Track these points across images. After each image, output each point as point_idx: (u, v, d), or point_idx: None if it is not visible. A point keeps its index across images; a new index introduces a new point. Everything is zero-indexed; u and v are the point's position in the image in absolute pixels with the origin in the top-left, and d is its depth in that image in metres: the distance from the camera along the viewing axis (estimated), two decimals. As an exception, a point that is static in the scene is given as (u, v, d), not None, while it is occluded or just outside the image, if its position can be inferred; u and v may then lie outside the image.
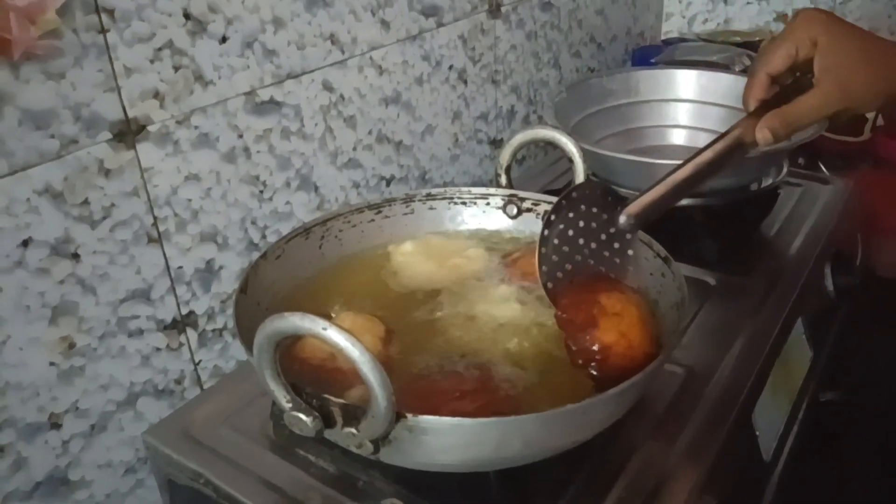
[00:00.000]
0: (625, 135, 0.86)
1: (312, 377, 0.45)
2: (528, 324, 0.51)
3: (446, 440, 0.39)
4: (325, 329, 0.34)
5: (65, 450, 0.56)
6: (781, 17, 1.22)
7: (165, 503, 0.55)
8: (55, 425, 0.55)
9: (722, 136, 0.54)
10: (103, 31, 0.51)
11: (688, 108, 0.86)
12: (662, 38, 1.32)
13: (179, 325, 0.62)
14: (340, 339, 0.34)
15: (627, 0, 1.21)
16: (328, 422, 0.39)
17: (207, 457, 0.51)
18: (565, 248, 0.52)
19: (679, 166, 0.54)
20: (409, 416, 0.37)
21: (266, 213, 0.67)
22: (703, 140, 0.84)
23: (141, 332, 0.59)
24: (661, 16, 1.33)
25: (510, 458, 0.42)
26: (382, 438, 0.38)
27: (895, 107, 0.51)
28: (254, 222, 0.67)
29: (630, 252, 0.53)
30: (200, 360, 0.65)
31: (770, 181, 0.77)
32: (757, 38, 1.19)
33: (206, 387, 0.65)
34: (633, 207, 0.54)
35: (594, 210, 0.53)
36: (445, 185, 0.88)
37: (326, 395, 0.38)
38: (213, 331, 0.65)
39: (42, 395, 0.53)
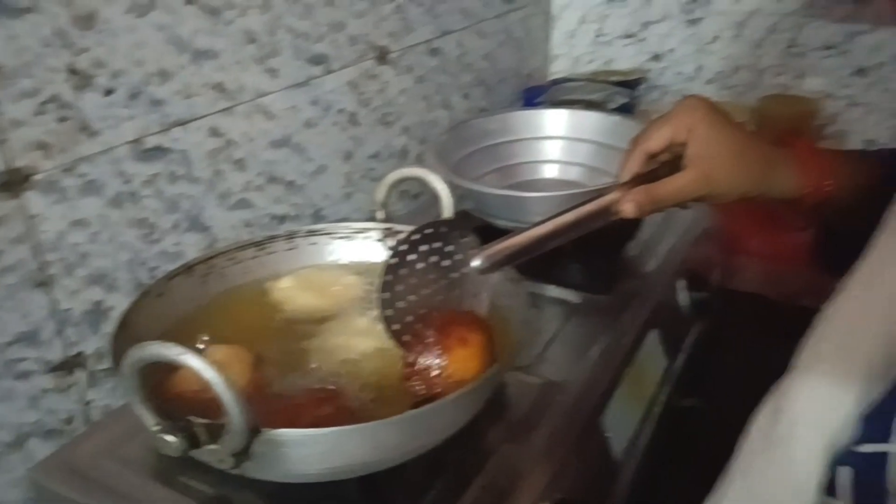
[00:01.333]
0: (503, 171, 0.93)
1: (190, 409, 0.48)
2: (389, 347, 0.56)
3: (302, 451, 0.43)
4: (180, 355, 0.38)
5: (-48, 491, 0.57)
6: (654, 57, 1.34)
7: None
8: (-59, 467, 0.56)
9: (590, 199, 0.58)
10: (-15, 88, 0.55)
11: (560, 145, 0.94)
12: (550, 78, 1.41)
13: (68, 365, 0.64)
14: (196, 362, 0.38)
15: (515, 44, 1.30)
16: (194, 442, 0.43)
17: (92, 489, 0.53)
18: (413, 280, 0.54)
19: (543, 221, 0.57)
20: (265, 430, 0.41)
21: (154, 254, 0.71)
22: (573, 174, 0.93)
23: (28, 374, 0.61)
24: (548, 57, 1.43)
25: (365, 464, 0.46)
26: (243, 452, 0.42)
27: (755, 202, 0.57)
28: (142, 263, 0.70)
29: (483, 294, 0.56)
30: (91, 400, 0.67)
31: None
32: (633, 77, 1.29)
33: (97, 424, 0.67)
34: (486, 254, 0.55)
35: (450, 246, 0.56)
36: (339, 221, 0.93)
37: (189, 417, 0.42)
38: (103, 370, 0.67)
39: (-74, 438, 0.55)
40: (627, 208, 0.55)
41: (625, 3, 1.32)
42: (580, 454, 0.57)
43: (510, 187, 0.89)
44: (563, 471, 0.55)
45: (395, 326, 0.53)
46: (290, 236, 0.68)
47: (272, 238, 0.67)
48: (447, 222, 0.58)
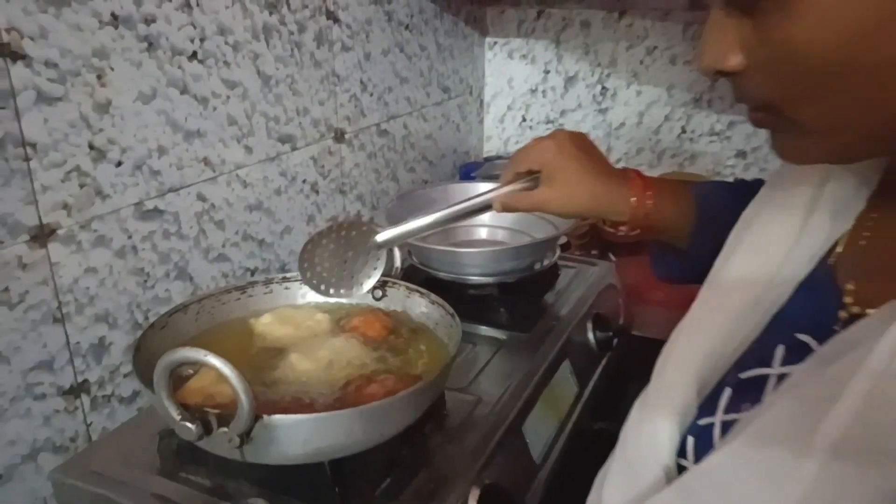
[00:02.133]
0: (442, 233, 1.10)
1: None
2: (348, 362, 0.71)
3: (290, 434, 0.56)
4: (206, 356, 0.52)
5: (-24, 496, 0.67)
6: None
7: (67, 531, 0.67)
8: (-31, 474, 0.67)
9: (471, 198, 0.71)
10: (27, 159, 0.68)
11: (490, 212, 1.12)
12: (484, 155, 1.61)
13: (76, 391, 0.76)
14: (217, 362, 0.52)
15: (453, 127, 1.49)
16: (208, 429, 0.56)
17: (107, 483, 0.65)
18: (326, 254, 0.72)
19: (435, 211, 0.70)
20: (265, 416, 0.55)
21: (149, 298, 0.83)
22: (499, 235, 1.10)
23: (44, 396, 0.73)
24: (482, 138, 1.63)
25: (337, 448, 0.60)
26: (246, 434, 0.55)
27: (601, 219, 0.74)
28: (138, 306, 0.82)
29: (377, 264, 0.73)
30: (91, 422, 0.78)
31: (548, 262, 1.03)
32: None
33: (96, 443, 0.78)
34: (385, 233, 0.72)
35: (353, 235, 0.72)
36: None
37: (206, 408, 0.56)
38: (103, 397, 0.79)
39: (-39, 447, 0.66)
40: (496, 206, 0.70)
41: (545, 95, 1.54)
42: (504, 453, 0.72)
43: (446, 244, 1.06)
44: (490, 464, 0.69)
45: (314, 281, 0.71)
46: (267, 282, 0.82)
47: (252, 283, 0.81)
48: (358, 224, 0.74)
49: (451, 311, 0.74)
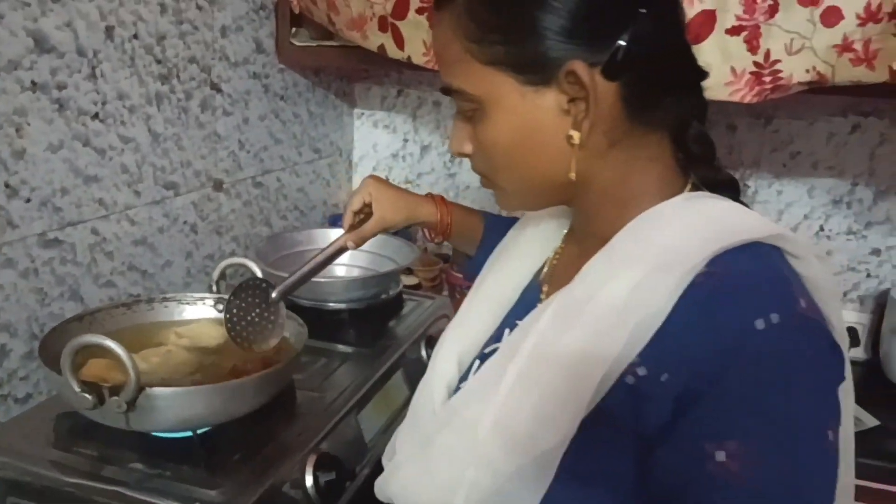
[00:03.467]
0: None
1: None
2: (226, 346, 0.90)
3: (166, 403, 0.75)
4: (104, 340, 0.71)
5: None
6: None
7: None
8: None
9: (331, 245, 0.90)
10: (-47, 193, 0.84)
11: (348, 253, 1.34)
12: (351, 208, 1.84)
13: (-22, 388, 0.90)
14: (112, 344, 0.71)
15: (323, 182, 1.72)
16: (101, 399, 0.74)
17: (11, 454, 0.80)
18: (243, 315, 0.88)
19: (305, 264, 0.90)
20: (147, 388, 0.73)
21: (45, 314, 0.99)
22: (356, 272, 1.32)
23: (-49, 390, 0.87)
24: (349, 193, 1.86)
25: (203, 417, 0.79)
26: (132, 402, 0.73)
27: (423, 227, 0.97)
28: (36, 320, 0.98)
29: (280, 316, 0.91)
30: (-11, 417, 0.92)
31: (393, 293, 1.26)
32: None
33: (-7, 435, 0.91)
34: (279, 289, 0.90)
35: (257, 293, 0.90)
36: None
37: (100, 384, 0.73)
38: (1, 396, 0.93)
39: None
40: (349, 244, 0.91)
41: (405, 159, 1.80)
42: (341, 434, 0.92)
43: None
44: (327, 439, 0.90)
45: (233, 333, 0.87)
46: (149, 300, 1.00)
47: (137, 301, 0.99)
48: (259, 280, 0.93)
49: (300, 320, 0.95)
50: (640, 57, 0.54)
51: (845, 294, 1.59)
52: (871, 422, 1.30)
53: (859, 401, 1.35)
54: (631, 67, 0.54)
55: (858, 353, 1.56)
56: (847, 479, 0.59)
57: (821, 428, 0.50)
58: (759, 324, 0.48)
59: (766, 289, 0.51)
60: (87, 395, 0.73)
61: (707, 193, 0.60)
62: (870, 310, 1.56)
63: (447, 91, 0.62)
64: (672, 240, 0.55)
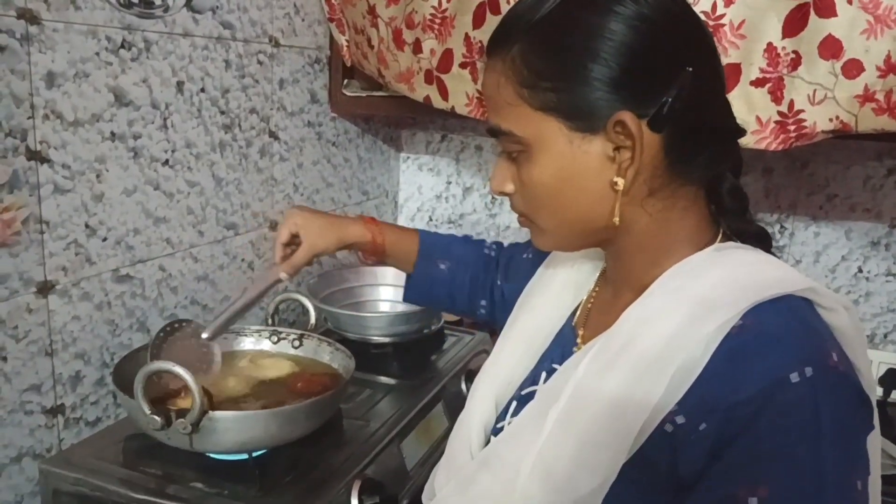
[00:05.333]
0: (354, 304, 1.38)
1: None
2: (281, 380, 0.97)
3: (227, 425, 0.82)
4: (173, 366, 0.78)
5: (-25, 485, 0.89)
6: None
7: (46, 512, 0.89)
8: (-27, 466, 0.88)
9: (263, 279, 0.95)
10: (42, 233, 0.94)
11: (390, 292, 1.41)
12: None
13: (55, 411, 0.98)
14: (180, 371, 0.78)
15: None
16: (168, 421, 0.81)
17: (83, 471, 0.87)
18: (175, 347, 0.92)
19: (236, 301, 0.94)
20: (210, 412, 0.80)
21: (115, 343, 1.07)
22: (400, 307, 1.39)
23: (32, 412, 0.95)
24: (396, 233, 1.94)
25: (259, 440, 0.85)
26: (196, 424, 0.80)
27: (353, 248, 0.98)
28: (107, 349, 1.06)
29: (215, 353, 0.94)
30: (63, 438, 1.00)
31: (435, 328, 1.32)
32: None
33: (67, 454, 0.99)
34: (210, 329, 0.93)
35: (188, 334, 0.95)
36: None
37: (168, 406, 0.81)
38: (74, 419, 1.02)
39: (-29, 444, 0.87)
40: (282, 276, 0.95)
41: (448, 201, 1.87)
42: (384, 461, 0.98)
43: (354, 311, 1.33)
44: (371, 465, 0.95)
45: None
46: (211, 333, 1.08)
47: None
48: (185, 321, 0.97)
49: (348, 352, 1.02)
50: (683, 111, 0.57)
51: (886, 336, 1.59)
52: (912, 464, 1.29)
53: (900, 442, 1.34)
54: (675, 121, 0.58)
55: (902, 395, 1.55)
56: None
57: (850, 479, 0.52)
58: (794, 376, 0.51)
59: (799, 342, 0.53)
60: (156, 417, 0.80)
61: (738, 245, 0.63)
62: (912, 351, 1.55)
63: (494, 132, 0.65)
64: (707, 291, 0.57)
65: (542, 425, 0.61)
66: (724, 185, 0.63)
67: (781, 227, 1.63)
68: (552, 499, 0.58)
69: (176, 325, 0.94)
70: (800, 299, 0.57)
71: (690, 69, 0.57)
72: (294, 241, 0.96)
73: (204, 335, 0.93)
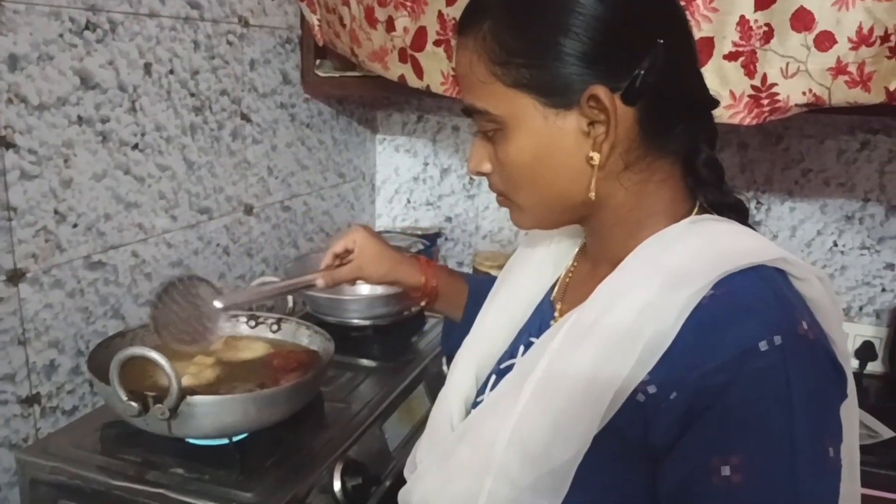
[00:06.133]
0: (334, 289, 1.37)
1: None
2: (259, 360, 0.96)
3: (206, 410, 0.81)
4: (148, 351, 0.77)
5: (-51, 477, 0.87)
6: (447, 219, 1.86)
7: (24, 501, 0.87)
8: (-54, 459, 0.87)
9: (302, 277, 0.91)
10: (10, 220, 0.92)
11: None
12: (376, 229, 1.90)
13: (30, 400, 0.97)
14: (156, 356, 0.77)
15: (347, 205, 1.79)
16: (145, 407, 0.80)
17: (61, 459, 0.86)
18: (175, 307, 0.85)
19: (267, 286, 0.93)
20: (188, 397, 0.79)
21: (90, 331, 1.06)
22: (379, 289, 1.38)
23: (6, 402, 0.94)
24: (375, 216, 1.93)
25: (239, 424, 0.84)
26: (174, 409, 0.79)
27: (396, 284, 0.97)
28: (81, 337, 1.05)
29: (219, 325, 0.86)
30: (40, 428, 0.99)
31: (415, 310, 1.32)
32: (433, 232, 1.81)
33: (43, 444, 0.98)
34: (224, 301, 0.86)
35: (197, 294, 0.88)
36: (213, 322, 1.31)
37: (145, 392, 0.80)
38: (50, 408, 1.00)
39: (-58, 436, 0.86)
40: (319, 282, 0.92)
41: (425, 182, 1.86)
42: (366, 442, 0.98)
43: (333, 294, 1.33)
44: (354, 447, 0.95)
45: (159, 323, 0.84)
46: (188, 319, 1.06)
47: (176, 319, 1.05)
48: (197, 277, 0.92)
49: (327, 334, 1.01)
50: (656, 84, 0.57)
51: (861, 308, 1.62)
52: (886, 433, 1.32)
53: (876, 412, 1.37)
54: (648, 94, 0.58)
55: (876, 366, 1.58)
56: (852, 488, 0.61)
57: (821, 445, 0.52)
58: (763, 345, 0.51)
59: (769, 311, 0.54)
60: (132, 403, 0.79)
61: (713, 217, 0.63)
62: (886, 323, 1.58)
63: (469, 112, 0.65)
64: (680, 262, 0.57)
65: (518, 398, 0.61)
66: (700, 157, 0.62)
67: (758, 202, 1.65)
68: (528, 469, 0.58)
69: (188, 281, 0.86)
70: (772, 269, 0.57)
71: (662, 41, 0.57)
72: (346, 256, 0.94)
73: (216, 303, 0.86)
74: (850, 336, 1.62)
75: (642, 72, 0.57)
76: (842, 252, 1.60)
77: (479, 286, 0.95)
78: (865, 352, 1.58)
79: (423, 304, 0.97)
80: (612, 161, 0.60)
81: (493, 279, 0.90)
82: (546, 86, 0.59)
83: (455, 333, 0.96)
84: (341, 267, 0.93)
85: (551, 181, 0.62)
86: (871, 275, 1.59)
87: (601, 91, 0.57)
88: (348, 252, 0.93)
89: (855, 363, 1.58)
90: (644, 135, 0.60)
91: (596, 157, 0.59)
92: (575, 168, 0.61)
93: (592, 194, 0.61)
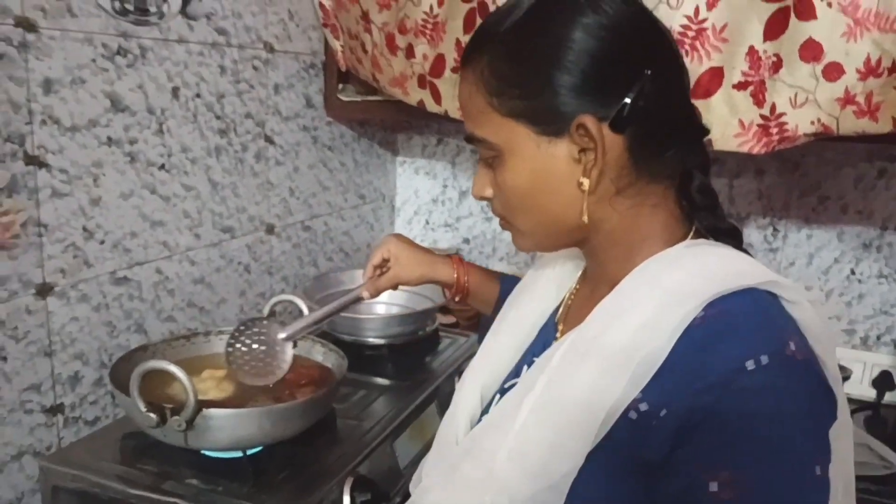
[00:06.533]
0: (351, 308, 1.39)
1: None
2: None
3: (221, 423, 0.83)
4: (167, 365, 0.80)
5: (-25, 483, 0.91)
6: (465, 240, 1.88)
7: (45, 508, 0.90)
8: (-27, 465, 0.90)
9: (348, 294, 1.00)
10: (40, 236, 0.96)
11: (384, 295, 1.43)
12: (393, 250, 1.93)
13: (55, 410, 1.00)
14: (174, 369, 0.80)
15: (367, 226, 1.82)
16: (163, 418, 0.82)
17: (82, 467, 0.89)
18: (248, 342, 0.98)
19: (322, 309, 1.00)
20: (204, 409, 0.82)
21: (113, 344, 1.09)
22: (395, 310, 1.41)
23: (32, 411, 0.97)
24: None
25: (253, 437, 0.87)
26: (191, 421, 0.82)
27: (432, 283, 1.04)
28: (105, 350, 1.08)
29: (287, 354, 0.98)
30: (63, 437, 1.02)
31: (429, 329, 1.34)
32: (449, 253, 1.83)
33: (65, 454, 1.01)
34: (288, 331, 0.98)
35: (264, 331, 0.99)
36: (233, 338, 1.34)
37: (163, 405, 0.82)
38: (73, 418, 1.03)
39: (-29, 443, 0.89)
40: (364, 294, 1.00)
41: (444, 204, 1.89)
42: (377, 459, 0.99)
43: (349, 313, 1.35)
44: (364, 463, 0.97)
45: (235, 364, 0.96)
46: (206, 334, 1.09)
47: (195, 333, 1.08)
48: (267, 317, 1.03)
49: (341, 352, 1.04)
50: (644, 112, 0.60)
51: (879, 338, 1.60)
52: (902, 463, 1.31)
53: (892, 443, 1.35)
54: (636, 122, 0.60)
55: (894, 396, 1.56)
56: None
57: (808, 463, 0.53)
58: (750, 364, 0.53)
59: (758, 332, 0.55)
60: (151, 415, 0.82)
61: (708, 241, 0.65)
62: (904, 352, 1.57)
63: (470, 140, 0.68)
64: (674, 284, 0.59)
65: (518, 414, 0.63)
66: (693, 184, 0.65)
67: (774, 229, 1.64)
68: (527, 484, 0.60)
69: (255, 322, 0.99)
70: (764, 293, 0.58)
71: (649, 72, 0.59)
72: (384, 265, 1.01)
73: (280, 335, 0.98)
74: (867, 365, 1.60)
75: (629, 101, 0.59)
76: (859, 280, 1.59)
77: (510, 285, 0.99)
78: (883, 381, 1.56)
79: (457, 299, 1.03)
80: (604, 186, 0.63)
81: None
82: (538, 115, 0.61)
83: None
84: (381, 277, 1.00)
85: (546, 205, 0.65)
86: (889, 304, 1.57)
87: (588, 120, 0.59)
88: (385, 261, 1.01)
89: (872, 393, 1.56)
90: (634, 161, 0.62)
91: (586, 182, 0.62)
92: (568, 193, 0.63)
93: (585, 218, 0.63)
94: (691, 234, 0.65)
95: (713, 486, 0.52)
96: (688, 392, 0.54)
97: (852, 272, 1.60)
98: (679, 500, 0.54)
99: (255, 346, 0.97)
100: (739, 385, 0.53)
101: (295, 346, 0.99)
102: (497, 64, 0.63)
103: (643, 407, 0.56)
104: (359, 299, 0.99)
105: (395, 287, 1.02)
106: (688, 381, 0.54)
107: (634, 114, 0.60)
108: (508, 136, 0.63)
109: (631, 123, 0.60)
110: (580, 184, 0.62)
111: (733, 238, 0.66)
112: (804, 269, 1.63)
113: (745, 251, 0.65)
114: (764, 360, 0.53)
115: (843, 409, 0.58)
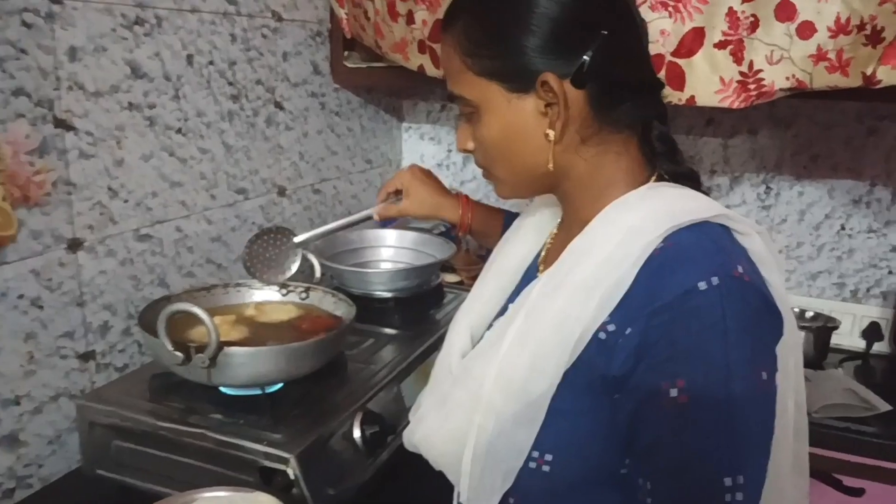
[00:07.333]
0: (359, 263, 1.47)
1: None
2: (289, 323, 1.06)
3: (241, 360, 0.91)
4: (192, 307, 0.88)
5: (19, 420, 0.99)
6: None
7: (83, 442, 0.99)
8: (16, 402, 0.99)
9: (358, 213, 1.10)
10: (69, 194, 1.04)
11: (391, 252, 1.51)
12: (400, 213, 2.00)
13: (87, 356, 1.09)
14: (198, 310, 0.88)
15: (374, 190, 1.89)
16: (188, 357, 0.91)
17: (115, 404, 0.98)
18: (262, 252, 1.10)
19: (333, 223, 1.11)
20: (226, 348, 0.90)
21: (138, 297, 1.17)
22: (401, 265, 1.48)
23: (66, 357, 1.06)
24: (399, 200, 2.03)
25: (270, 375, 0.95)
26: (214, 359, 0.90)
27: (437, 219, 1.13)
28: (131, 302, 1.16)
29: (296, 259, 1.11)
30: (95, 381, 1.11)
31: (434, 283, 1.41)
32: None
33: (98, 395, 1.10)
34: (300, 237, 1.11)
35: (280, 238, 1.11)
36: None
37: (188, 343, 0.91)
38: (104, 364, 1.12)
39: (12, 383, 0.98)
40: (375, 216, 1.10)
41: (449, 168, 1.96)
42: (384, 397, 1.07)
43: (357, 267, 1.43)
44: (372, 400, 1.05)
45: (251, 268, 1.08)
46: (225, 286, 1.17)
47: (215, 286, 1.16)
48: (279, 228, 1.12)
49: (350, 301, 1.12)
50: (602, 69, 0.67)
51: (868, 290, 1.67)
52: (883, 406, 1.38)
53: (882, 391, 1.42)
54: (595, 77, 0.68)
55: (882, 346, 1.63)
56: (789, 420, 0.68)
57: (754, 369, 0.61)
58: (702, 285, 0.60)
59: (709, 257, 0.63)
60: (177, 353, 0.90)
61: (668, 183, 0.72)
62: (892, 305, 1.63)
63: (452, 98, 0.76)
64: (636, 221, 0.67)
65: (503, 342, 0.71)
66: (653, 132, 0.72)
67: (767, 187, 1.70)
68: (510, 403, 0.68)
69: (272, 230, 1.12)
70: (716, 225, 0.66)
71: (605, 33, 0.67)
72: (398, 194, 1.11)
73: (295, 239, 1.12)
74: (856, 317, 1.67)
75: (587, 59, 0.66)
76: (849, 235, 1.65)
77: (512, 220, 1.06)
78: (872, 332, 1.63)
79: (462, 233, 1.14)
80: (569, 136, 0.70)
81: None
82: (508, 74, 0.69)
83: None
84: (392, 204, 1.10)
85: (518, 154, 0.73)
86: (878, 257, 1.64)
87: (551, 77, 0.67)
88: (399, 192, 1.10)
89: (862, 343, 1.63)
90: (596, 113, 0.70)
91: (551, 133, 0.70)
92: (536, 143, 0.71)
93: (551, 165, 0.71)
94: (653, 178, 0.72)
95: (672, 392, 0.60)
96: (648, 311, 0.62)
97: (843, 227, 1.66)
98: (642, 408, 0.62)
99: (270, 248, 1.11)
100: (692, 303, 0.60)
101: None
102: (471, 29, 0.70)
103: (611, 328, 0.64)
104: (367, 218, 1.10)
105: (397, 216, 1.12)
106: (647, 303, 0.62)
107: (592, 70, 0.67)
108: (483, 94, 0.71)
109: (590, 79, 0.68)
110: (547, 135, 0.70)
111: (691, 180, 0.73)
112: (796, 226, 1.69)
113: (703, 192, 0.72)
114: (714, 280, 0.60)
115: (792, 329, 0.65)
